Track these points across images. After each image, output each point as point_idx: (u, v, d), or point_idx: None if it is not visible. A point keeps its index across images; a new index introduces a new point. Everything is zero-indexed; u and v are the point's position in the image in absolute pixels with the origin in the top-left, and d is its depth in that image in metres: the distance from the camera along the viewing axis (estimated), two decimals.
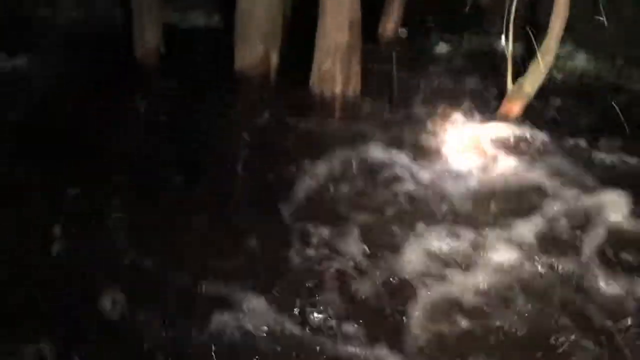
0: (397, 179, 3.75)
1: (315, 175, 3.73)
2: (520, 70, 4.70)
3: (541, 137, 4.30)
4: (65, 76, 5.07)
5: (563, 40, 6.00)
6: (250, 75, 5.14)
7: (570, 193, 3.58)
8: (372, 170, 3.85)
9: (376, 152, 3.99)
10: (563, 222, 3.33)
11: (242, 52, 5.19)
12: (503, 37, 4.41)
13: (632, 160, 4.06)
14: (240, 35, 5.19)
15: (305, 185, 3.63)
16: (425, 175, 3.79)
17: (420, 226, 3.25)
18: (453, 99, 4.96)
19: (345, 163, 3.88)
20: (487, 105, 4.87)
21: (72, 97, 4.65)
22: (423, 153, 4.08)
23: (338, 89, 4.83)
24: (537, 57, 4.40)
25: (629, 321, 2.67)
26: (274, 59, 5.23)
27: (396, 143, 4.13)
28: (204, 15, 6.73)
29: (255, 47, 5.14)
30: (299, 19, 5.52)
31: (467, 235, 3.19)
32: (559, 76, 5.41)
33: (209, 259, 2.97)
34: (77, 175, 3.56)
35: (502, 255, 3.06)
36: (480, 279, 2.88)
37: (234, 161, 3.91)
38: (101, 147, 3.97)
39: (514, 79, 4.61)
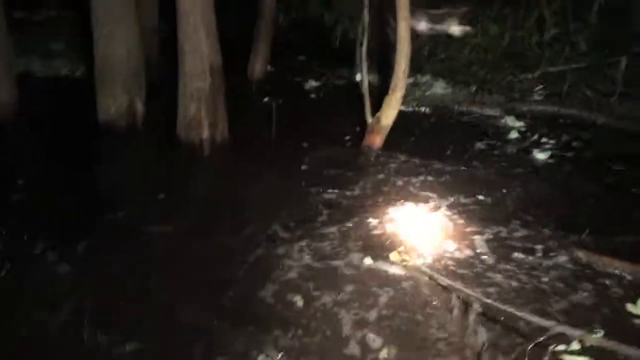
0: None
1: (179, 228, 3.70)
2: (381, 103, 4.96)
3: (393, 162, 4.58)
4: None
5: (422, 71, 6.50)
6: (115, 126, 5.00)
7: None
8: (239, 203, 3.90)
9: (242, 190, 4.05)
10: None
11: (104, 103, 5.03)
12: (357, 74, 4.64)
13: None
14: (102, 86, 5.03)
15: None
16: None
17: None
18: (321, 134, 5.14)
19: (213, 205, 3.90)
20: (352, 138, 5.11)
21: None
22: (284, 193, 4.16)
23: (205, 135, 4.78)
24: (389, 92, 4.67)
25: None
26: (139, 108, 5.12)
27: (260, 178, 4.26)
28: (67, 64, 6.49)
29: (118, 97, 5.01)
30: (165, 66, 5.47)
31: None
32: (418, 106, 5.80)
33: None
34: None
35: None
36: None
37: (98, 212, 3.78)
38: None
39: (375, 112, 4.86)
